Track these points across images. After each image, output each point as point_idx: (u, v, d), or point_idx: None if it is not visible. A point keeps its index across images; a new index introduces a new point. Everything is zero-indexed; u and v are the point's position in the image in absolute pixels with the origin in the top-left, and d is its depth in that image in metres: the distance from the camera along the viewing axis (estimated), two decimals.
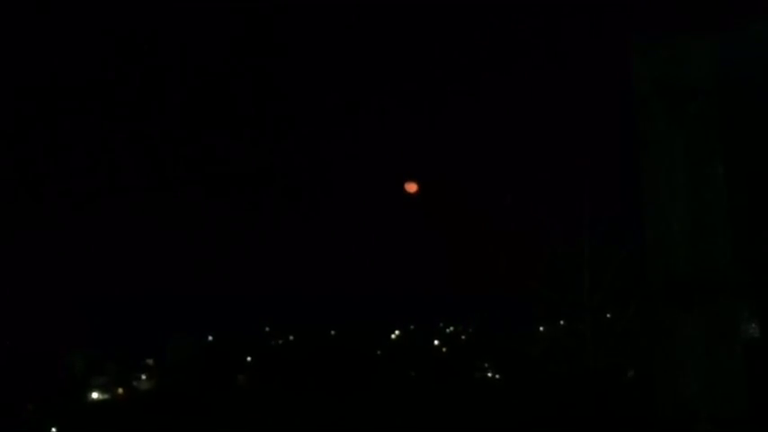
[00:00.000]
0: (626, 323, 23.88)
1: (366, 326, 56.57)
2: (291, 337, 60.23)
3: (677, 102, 4.15)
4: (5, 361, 46.03)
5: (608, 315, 25.03)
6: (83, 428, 36.16)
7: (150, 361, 58.00)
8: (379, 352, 55.21)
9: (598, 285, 23.48)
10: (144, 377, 56.63)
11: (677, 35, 4.18)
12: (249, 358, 56.31)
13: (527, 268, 24.11)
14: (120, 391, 54.06)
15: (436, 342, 59.16)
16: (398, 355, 52.84)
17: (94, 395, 52.59)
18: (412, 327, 61.60)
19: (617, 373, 23.25)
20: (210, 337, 58.85)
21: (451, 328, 60.79)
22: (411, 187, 23.45)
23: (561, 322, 28.49)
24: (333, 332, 58.07)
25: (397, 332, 61.80)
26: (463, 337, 58.67)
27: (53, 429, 35.44)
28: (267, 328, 61.61)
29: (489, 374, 41.08)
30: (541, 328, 31.62)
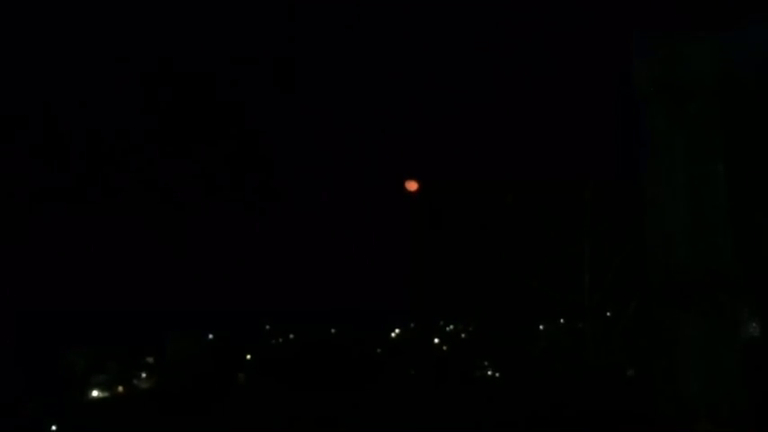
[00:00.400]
0: (626, 322, 23.88)
1: (366, 324, 56.58)
2: (292, 336, 60.21)
3: (678, 101, 4.17)
4: (5, 359, 46.03)
5: (608, 314, 25.02)
6: (83, 426, 36.16)
7: (151, 359, 57.98)
8: (379, 350, 55.19)
9: (598, 284, 23.47)
10: (144, 375, 56.62)
11: (677, 35, 4.19)
12: (249, 356, 56.30)
13: (527, 267, 24.11)
14: (121, 389, 54.05)
15: (436, 340, 59.11)
16: (398, 354, 52.83)
17: (95, 393, 52.58)
18: (412, 325, 61.57)
19: (617, 372, 23.24)
20: (211, 336, 58.83)
21: (451, 327, 60.73)
22: (411, 186, 23.47)
23: (561, 321, 28.49)
24: (333, 330, 58.08)
25: (397, 330, 61.77)
26: (463, 335, 58.61)
27: (53, 427, 35.45)
28: (267, 327, 61.58)
29: (489, 373, 41.04)
30: (541, 327, 31.61)
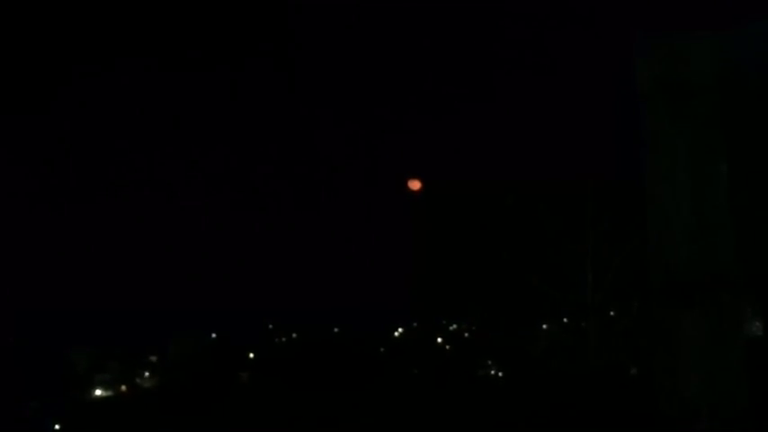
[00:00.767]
0: (628, 321, 23.90)
1: (369, 323, 56.60)
2: (294, 335, 60.23)
3: (680, 100, 4.16)
4: (8, 358, 46.07)
5: (610, 313, 25.05)
6: (86, 425, 36.21)
7: (153, 358, 58.00)
8: (382, 349, 55.21)
9: (600, 283, 23.49)
10: (147, 374, 56.65)
11: (679, 34, 4.19)
12: (252, 355, 56.32)
13: (529, 266, 24.12)
14: (124, 388, 54.09)
15: (439, 339, 59.11)
16: (401, 353, 52.85)
17: (98, 392, 52.63)
18: (415, 324, 61.56)
19: (619, 370, 23.26)
20: (214, 335, 58.85)
21: (454, 326, 60.71)
22: (414, 185, 23.47)
23: (563, 320, 28.52)
24: (336, 330, 58.10)
25: (399, 329, 61.78)
26: (466, 334, 58.61)
27: (56, 426, 35.48)
28: (270, 326, 61.59)
29: (492, 372, 41.05)
30: (544, 326, 31.64)
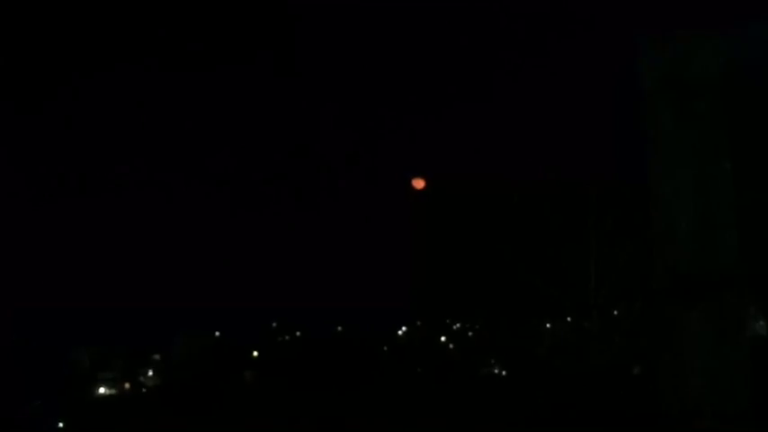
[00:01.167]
0: (632, 320, 23.87)
1: (373, 322, 56.60)
2: (298, 334, 60.24)
3: (684, 99, 4.16)
4: (11, 356, 46.12)
5: (614, 312, 25.02)
6: (89, 423, 36.22)
7: (157, 356, 58.04)
8: (385, 348, 55.20)
9: (603, 283, 23.46)
10: (150, 372, 56.70)
11: (683, 34, 4.19)
12: (256, 354, 56.35)
13: (533, 265, 24.11)
14: (127, 386, 54.14)
15: (443, 339, 59.13)
16: (405, 352, 52.86)
17: (101, 390, 52.69)
18: (418, 323, 61.56)
19: (622, 370, 23.24)
20: (217, 333, 58.86)
21: (458, 325, 60.72)
22: (418, 183, 23.45)
23: (567, 319, 28.49)
24: (339, 328, 58.08)
25: (403, 329, 61.79)
26: (470, 333, 58.61)
27: (60, 424, 35.50)
28: (274, 325, 61.59)
29: (495, 371, 41.05)
30: (547, 326, 31.63)
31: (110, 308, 57.54)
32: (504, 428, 18.99)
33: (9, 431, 32.11)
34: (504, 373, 38.91)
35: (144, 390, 53.30)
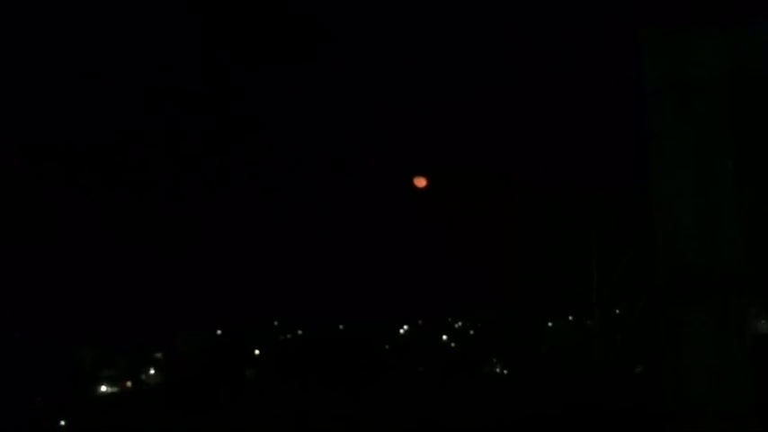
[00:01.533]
0: (634, 319, 23.89)
1: (374, 320, 56.62)
2: (300, 332, 60.27)
3: (686, 97, 4.16)
4: (14, 354, 46.16)
5: (616, 311, 25.03)
6: (91, 421, 36.26)
7: (159, 354, 58.09)
8: (387, 346, 55.23)
9: (606, 281, 23.48)
10: (153, 371, 56.74)
11: (686, 31, 4.18)
12: (258, 352, 56.39)
13: (536, 264, 24.12)
14: (129, 384, 54.19)
15: (444, 337, 59.18)
16: (407, 350, 52.90)
17: (103, 388, 52.73)
18: (420, 322, 61.61)
19: (624, 368, 23.25)
20: (219, 331, 58.89)
21: (460, 324, 60.77)
22: (420, 182, 23.46)
23: (569, 318, 28.52)
24: (341, 326, 58.11)
25: (405, 327, 61.81)
26: (472, 332, 58.66)
27: (62, 422, 35.54)
28: (276, 323, 61.63)
29: (498, 369, 41.09)
30: (549, 324, 31.64)
31: (112, 306, 57.62)
32: (506, 427, 18.98)
33: (12, 429, 32.14)
34: (505, 371, 38.94)
35: (145, 387, 53.36)
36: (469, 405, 22.89)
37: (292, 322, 61.09)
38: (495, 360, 42.91)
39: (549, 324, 31.44)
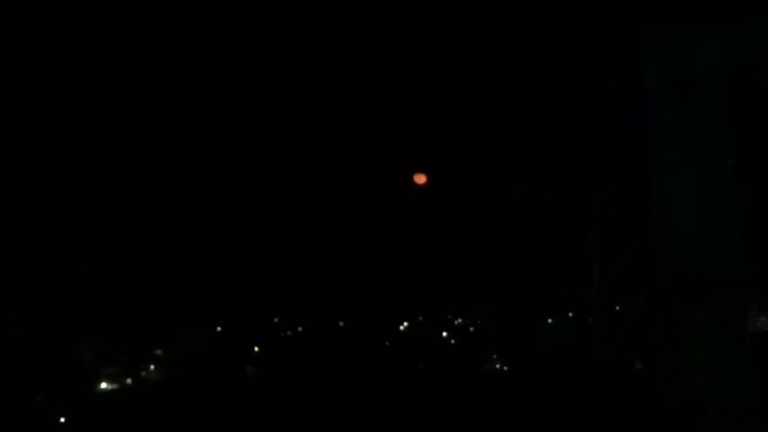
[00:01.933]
0: (634, 317, 23.89)
1: (374, 317, 56.66)
2: (300, 329, 60.29)
3: (687, 96, 4.16)
4: (15, 351, 46.16)
5: (616, 309, 25.03)
6: (92, 418, 36.26)
7: (159, 351, 58.10)
8: (387, 343, 55.24)
9: (606, 279, 23.48)
10: (153, 368, 56.74)
11: (687, 29, 4.18)
12: (258, 349, 56.40)
13: (536, 262, 24.12)
14: (129, 381, 54.20)
15: (444, 334, 59.20)
16: (407, 347, 52.89)
17: (103, 385, 52.73)
18: (420, 318, 61.63)
19: (624, 366, 23.25)
20: (219, 329, 58.90)
21: (460, 321, 60.81)
22: (420, 179, 23.45)
23: (569, 315, 28.52)
24: (342, 323, 58.13)
25: (405, 323, 61.82)
26: (472, 329, 58.70)
27: (62, 419, 35.54)
28: (276, 320, 61.65)
29: (498, 366, 41.12)
30: (550, 321, 31.65)
31: (112, 304, 57.65)
32: (505, 425, 18.98)
33: (12, 426, 32.16)
34: (506, 368, 38.95)
35: (145, 385, 53.36)
36: (469, 402, 22.89)
37: (292, 319, 61.13)
38: (495, 357, 42.93)
39: (549, 321, 31.46)
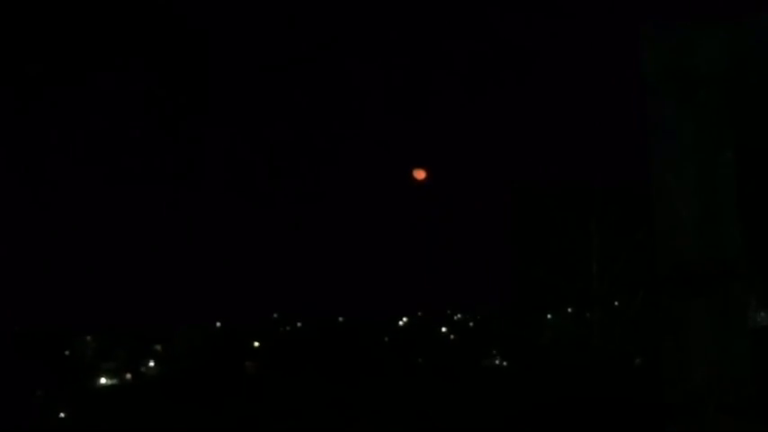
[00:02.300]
0: (633, 311, 23.89)
1: (374, 313, 56.67)
2: (299, 324, 60.30)
3: (687, 89, 4.15)
4: (14, 346, 46.16)
5: (615, 303, 25.03)
6: (91, 413, 36.28)
7: (159, 347, 58.09)
8: (386, 339, 55.24)
9: (606, 273, 23.48)
10: (152, 363, 56.74)
11: (687, 24, 4.18)
12: (257, 344, 56.41)
13: (535, 256, 24.12)
14: (129, 376, 54.19)
15: (444, 329, 59.21)
16: (406, 342, 52.90)
17: (103, 380, 52.73)
18: (420, 314, 61.65)
19: (624, 360, 23.25)
20: (218, 324, 58.90)
21: (459, 316, 60.82)
22: (420, 174, 23.44)
23: (569, 310, 28.52)
24: (340, 319, 58.15)
25: (404, 319, 61.83)
26: (471, 324, 58.72)
27: (61, 414, 35.54)
28: (275, 315, 61.65)
29: (497, 362, 41.11)
30: (549, 316, 31.65)
31: (112, 299, 57.65)
32: (505, 420, 18.99)
33: (11, 422, 32.16)
34: (505, 363, 38.96)
35: (145, 380, 53.38)
36: (468, 397, 22.90)
37: (292, 315, 61.14)
38: (494, 352, 42.93)
39: (549, 317, 31.45)
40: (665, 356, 4.10)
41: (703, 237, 4.09)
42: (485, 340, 46.42)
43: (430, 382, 29.36)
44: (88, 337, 55.28)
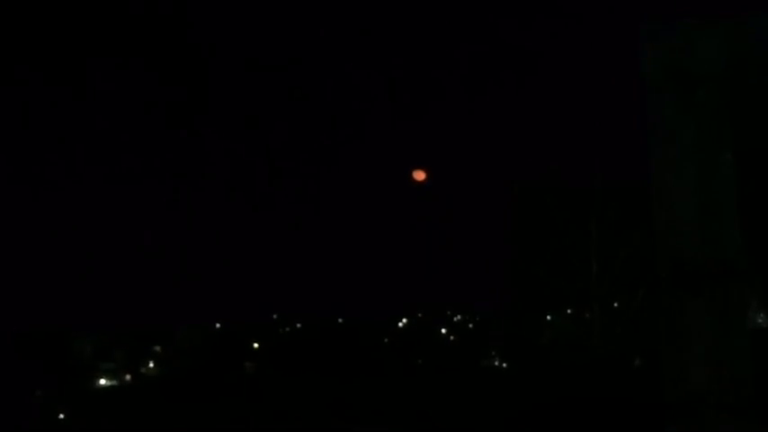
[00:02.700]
0: (633, 312, 23.89)
1: (373, 314, 56.73)
2: (299, 325, 60.36)
3: (687, 88, 4.15)
4: (13, 347, 46.19)
5: (615, 304, 25.03)
6: (90, 414, 36.29)
7: (158, 348, 58.15)
8: (386, 340, 55.30)
9: (606, 273, 23.48)
10: (151, 364, 56.79)
11: (686, 23, 4.18)
12: (257, 345, 56.47)
13: (535, 256, 24.12)
14: (128, 377, 54.23)
15: (443, 330, 59.27)
16: (406, 343, 52.97)
17: (102, 381, 52.76)
18: (420, 315, 61.72)
19: (623, 361, 23.25)
20: (218, 325, 58.95)
21: (459, 317, 60.88)
22: (419, 175, 23.44)
23: (568, 311, 28.51)
24: (340, 320, 58.21)
25: (404, 320, 61.90)
26: (471, 325, 58.77)
27: (61, 415, 35.55)
28: (275, 316, 61.72)
29: (496, 363, 41.14)
30: (548, 317, 31.64)
31: (112, 300, 57.68)
32: (504, 420, 19.00)
33: (11, 422, 32.18)
34: (504, 364, 38.97)
35: (144, 380, 53.42)
36: (468, 398, 22.91)
37: (291, 316, 61.20)
38: (493, 353, 42.96)
39: (548, 317, 31.44)
40: (664, 356, 4.09)
41: (703, 236, 4.09)
42: (484, 341, 46.46)
43: (430, 383, 29.37)
44: (87, 339, 55.34)
